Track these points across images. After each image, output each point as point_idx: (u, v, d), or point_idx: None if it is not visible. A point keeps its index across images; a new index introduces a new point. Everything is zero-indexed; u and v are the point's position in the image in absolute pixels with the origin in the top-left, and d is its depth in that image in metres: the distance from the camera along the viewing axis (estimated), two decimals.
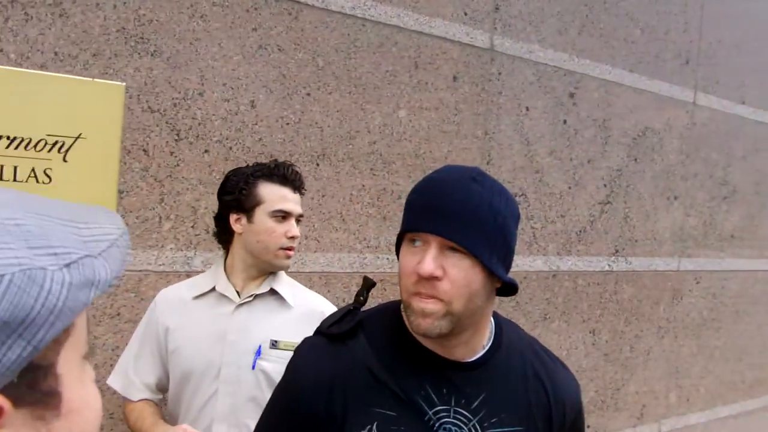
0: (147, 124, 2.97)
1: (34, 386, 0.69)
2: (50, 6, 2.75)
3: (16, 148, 2.72)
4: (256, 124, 3.25)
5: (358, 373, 1.55)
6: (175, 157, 3.04)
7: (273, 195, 2.50)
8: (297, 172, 2.58)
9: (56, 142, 2.77)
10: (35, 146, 2.75)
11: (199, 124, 3.10)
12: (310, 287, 3.38)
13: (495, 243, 1.49)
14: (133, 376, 2.56)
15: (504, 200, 1.52)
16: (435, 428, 1.51)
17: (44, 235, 0.69)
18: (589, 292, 4.78)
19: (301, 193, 2.59)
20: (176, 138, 3.04)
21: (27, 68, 2.71)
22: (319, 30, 3.44)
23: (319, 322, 2.54)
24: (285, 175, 2.54)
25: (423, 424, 1.51)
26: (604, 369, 4.93)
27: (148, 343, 2.56)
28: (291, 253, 2.53)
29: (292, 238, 2.51)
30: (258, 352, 2.46)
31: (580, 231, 4.69)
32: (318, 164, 3.46)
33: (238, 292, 2.53)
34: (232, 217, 2.53)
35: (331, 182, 3.51)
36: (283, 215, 2.50)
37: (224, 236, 2.60)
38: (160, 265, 3.02)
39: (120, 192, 2.89)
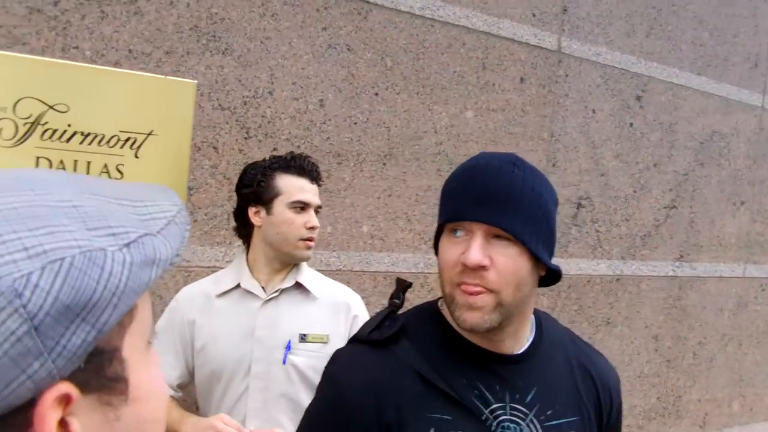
0: (217, 121, 2.94)
1: (100, 371, 0.66)
2: (125, 4, 2.73)
3: (89, 143, 2.71)
4: (324, 123, 3.20)
5: (407, 378, 1.44)
6: (244, 154, 3.00)
7: (291, 186, 2.45)
8: (314, 163, 2.52)
9: (128, 139, 2.75)
10: (108, 142, 2.73)
11: (269, 122, 3.06)
12: (375, 287, 3.33)
13: (540, 228, 1.41)
14: None
15: (544, 185, 1.44)
16: (493, 428, 1.42)
17: (102, 216, 0.67)
18: (652, 297, 4.64)
19: (319, 185, 2.53)
20: (245, 136, 3.00)
21: (102, 65, 2.69)
22: (387, 30, 3.38)
23: (345, 312, 2.53)
24: (302, 166, 2.48)
25: (480, 424, 1.42)
26: (666, 375, 4.79)
27: (170, 341, 2.50)
28: (311, 243, 2.47)
29: (312, 228, 2.45)
30: (288, 347, 2.42)
31: (645, 235, 4.56)
32: (384, 164, 3.40)
33: (263, 288, 2.48)
34: (251, 211, 2.48)
35: (397, 182, 3.44)
36: (302, 206, 2.44)
37: (244, 230, 2.55)
38: (227, 261, 2.99)
39: (189, 189, 2.87)
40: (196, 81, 2.89)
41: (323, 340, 2.43)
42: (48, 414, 0.62)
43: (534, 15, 3.90)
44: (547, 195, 1.43)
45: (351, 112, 3.28)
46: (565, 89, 4.06)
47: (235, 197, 2.97)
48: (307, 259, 2.51)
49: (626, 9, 4.34)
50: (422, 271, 3.53)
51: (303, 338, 2.43)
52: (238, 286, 2.49)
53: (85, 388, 0.65)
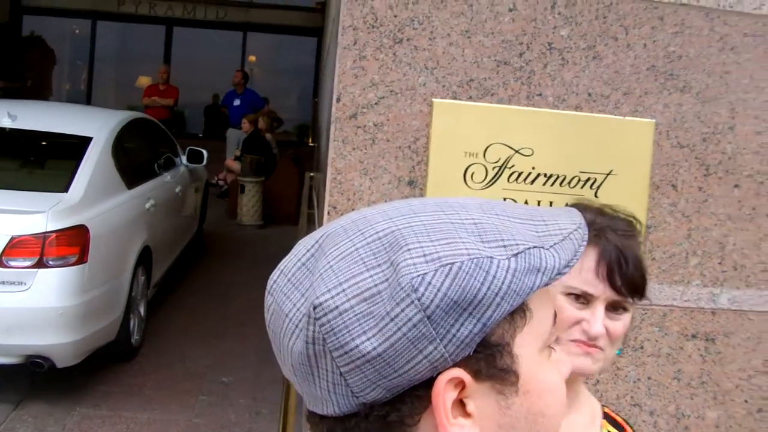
0: (676, 159, 2.78)
1: (491, 362, 0.75)
2: (584, 50, 2.71)
3: (552, 185, 2.72)
4: None
5: None
6: (704, 192, 2.80)
7: None
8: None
9: (588, 179, 2.72)
10: (569, 183, 2.72)
11: (729, 158, 2.82)
12: None
13: None
14: None
15: None
16: None
17: (497, 231, 0.76)
18: None
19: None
20: (705, 173, 2.80)
21: (563, 110, 2.71)
22: None
23: None
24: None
25: None
26: None
27: None
28: None
29: None
30: None
31: None
32: None
33: None
34: None
35: None
36: None
37: None
38: (685, 300, 2.80)
39: (648, 227, 2.75)
40: (654, 120, 2.78)
41: None
42: (443, 392, 0.73)
43: None
44: None
45: None
46: None
47: (693, 235, 2.78)
48: None
49: None
50: None
51: None
52: None
53: (477, 375, 0.75)
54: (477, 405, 0.76)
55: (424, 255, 0.72)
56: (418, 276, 0.71)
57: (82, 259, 4.98)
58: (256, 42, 19.52)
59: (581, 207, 1.50)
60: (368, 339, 0.72)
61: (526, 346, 0.77)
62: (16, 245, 4.77)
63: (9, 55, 17.15)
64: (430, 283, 0.71)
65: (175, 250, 7.70)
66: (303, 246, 0.82)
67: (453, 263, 0.72)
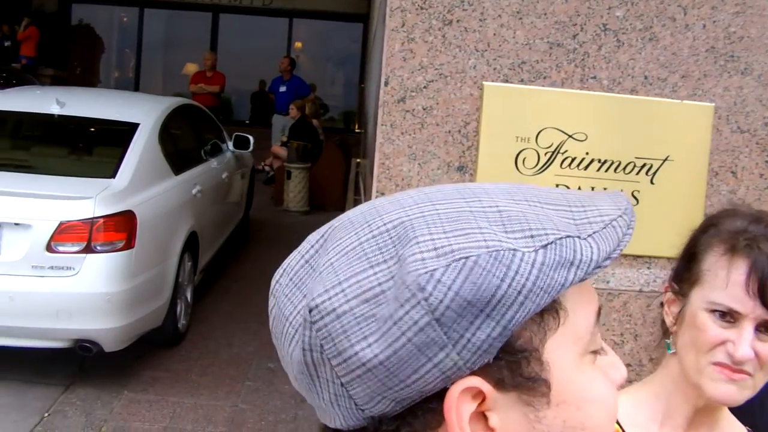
0: (736, 145, 2.69)
1: (517, 370, 0.67)
2: (640, 31, 2.63)
3: (606, 170, 2.64)
4: None
5: None
6: (765, 179, 2.71)
7: None
8: None
9: (644, 165, 2.64)
10: (624, 169, 2.64)
11: None
12: None
13: None
14: None
15: None
16: None
17: (524, 219, 0.67)
18: None
19: None
20: (767, 159, 2.71)
21: (618, 93, 2.63)
22: None
23: None
24: None
25: None
26: None
27: None
28: None
29: None
30: None
31: None
32: None
33: None
34: None
35: None
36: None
37: None
38: None
39: (705, 216, 2.66)
40: (713, 104, 2.68)
41: None
42: (457, 404, 0.65)
43: None
44: None
45: None
46: None
47: None
48: None
49: None
50: None
51: None
52: None
53: (500, 385, 0.67)
54: (501, 418, 0.68)
55: (435, 248, 0.64)
56: (426, 273, 0.63)
57: (129, 244, 5.02)
58: (302, 28, 19.56)
59: (731, 212, 1.38)
60: (369, 345, 0.65)
61: (560, 351, 0.69)
62: (65, 230, 4.82)
63: (58, 44, 17.42)
64: (439, 280, 0.63)
65: (221, 236, 7.75)
66: (308, 241, 0.75)
67: (467, 257, 0.63)
